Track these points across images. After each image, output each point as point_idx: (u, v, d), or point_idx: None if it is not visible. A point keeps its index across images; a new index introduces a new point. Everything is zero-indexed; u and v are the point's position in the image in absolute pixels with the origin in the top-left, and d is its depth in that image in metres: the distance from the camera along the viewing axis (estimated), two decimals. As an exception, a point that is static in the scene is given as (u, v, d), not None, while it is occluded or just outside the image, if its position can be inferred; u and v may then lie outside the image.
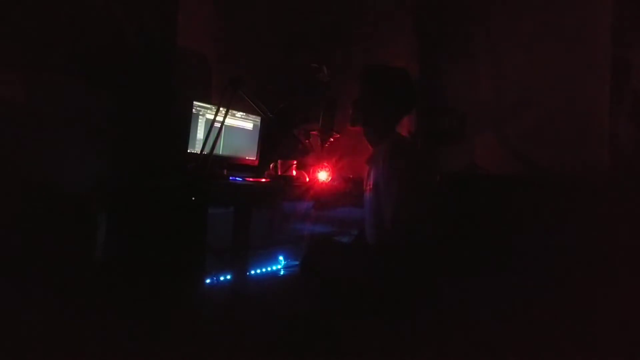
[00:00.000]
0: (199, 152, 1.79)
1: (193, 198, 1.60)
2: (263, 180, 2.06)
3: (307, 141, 2.16)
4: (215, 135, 1.76)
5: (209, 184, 1.71)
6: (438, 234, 1.54)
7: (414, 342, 1.40)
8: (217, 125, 1.82)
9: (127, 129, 2.15)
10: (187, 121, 2.13)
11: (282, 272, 2.51)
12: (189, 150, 2.13)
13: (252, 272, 2.36)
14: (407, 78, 1.69)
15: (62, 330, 1.49)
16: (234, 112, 2.29)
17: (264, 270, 2.45)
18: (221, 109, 1.81)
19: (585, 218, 1.59)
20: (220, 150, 2.23)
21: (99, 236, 1.93)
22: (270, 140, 2.48)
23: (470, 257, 1.67)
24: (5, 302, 1.56)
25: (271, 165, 2.16)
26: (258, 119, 2.43)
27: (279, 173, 2.10)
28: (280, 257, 2.57)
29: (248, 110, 2.34)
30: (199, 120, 2.18)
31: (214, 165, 1.92)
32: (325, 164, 2.12)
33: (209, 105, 2.21)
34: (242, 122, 2.37)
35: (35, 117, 1.89)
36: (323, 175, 2.11)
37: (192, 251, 1.65)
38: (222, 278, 2.09)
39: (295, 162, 2.13)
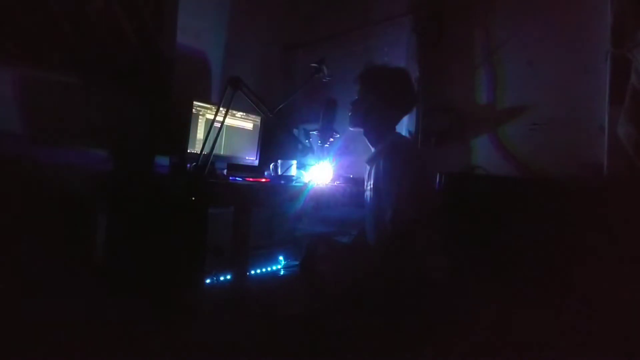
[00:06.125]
0: (199, 152, 1.79)
1: (193, 198, 1.60)
2: (263, 180, 2.06)
3: (307, 141, 2.16)
4: (215, 135, 1.76)
5: (209, 184, 1.71)
6: (438, 234, 1.54)
7: (414, 343, 1.40)
8: (217, 125, 1.82)
9: (127, 129, 2.16)
10: (187, 121, 2.13)
11: (282, 272, 2.52)
12: (189, 150, 2.13)
13: (252, 272, 2.36)
14: (407, 78, 1.69)
15: (62, 330, 1.49)
16: (234, 112, 2.29)
17: (264, 270, 2.45)
18: (221, 109, 1.81)
19: (585, 218, 1.59)
20: (220, 150, 2.23)
21: (99, 236, 1.93)
22: (270, 140, 2.48)
23: (469, 257, 1.67)
24: (5, 302, 1.56)
25: (271, 165, 2.16)
26: (258, 119, 2.43)
27: (279, 173, 2.10)
28: (280, 257, 2.57)
29: (248, 110, 2.34)
30: (199, 120, 2.18)
31: (214, 165, 1.92)
32: (325, 164, 2.12)
33: (209, 105, 2.21)
34: (242, 122, 2.37)
35: (35, 117, 1.89)
36: (323, 175, 2.11)
37: (192, 251, 1.65)
38: (222, 278, 2.09)
39: (295, 162, 2.13)
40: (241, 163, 2.36)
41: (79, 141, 2.01)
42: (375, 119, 1.66)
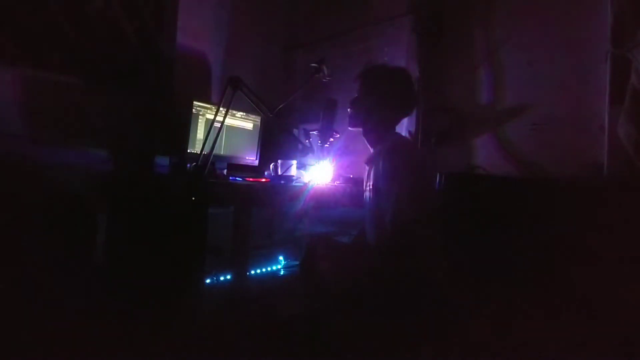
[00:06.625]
0: (199, 152, 1.79)
1: (193, 198, 1.60)
2: (263, 180, 2.06)
3: (307, 141, 2.16)
4: (215, 135, 1.76)
5: (209, 184, 1.71)
6: (438, 234, 1.54)
7: (414, 343, 1.40)
8: (217, 125, 1.82)
9: (127, 129, 2.16)
10: (187, 121, 2.13)
11: (282, 272, 2.52)
12: (189, 150, 2.13)
13: (252, 272, 2.36)
14: (407, 78, 1.68)
15: (62, 330, 1.49)
16: (234, 112, 2.29)
17: (264, 270, 2.45)
18: (221, 109, 1.81)
19: (585, 218, 1.58)
20: (220, 150, 2.23)
21: (99, 236, 1.93)
22: (270, 140, 2.48)
23: (469, 257, 1.67)
24: (5, 302, 1.56)
25: (271, 165, 2.16)
26: (258, 119, 2.43)
27: (279, 173, 2.10)
28: (280, 257, 2.57)
29: (248, 110, 2.34)
30: (199, 120, 2.18)
31: (214, 165, 1.92)
32: (325, 164, 2.12)
33: (209, 105, 2.21)
34: (242, 122, 2.38)
35: (35, 117, 1.89)
36: (323, 175, 2.11)
37: (192, 251, 1.65)
38: (222, 278, 2.09)
39: (295, 162, 2.13)
40: (241, 163, 2.37)
41: (79, 141, 2.01)
42: (375, 120, 1.65)
